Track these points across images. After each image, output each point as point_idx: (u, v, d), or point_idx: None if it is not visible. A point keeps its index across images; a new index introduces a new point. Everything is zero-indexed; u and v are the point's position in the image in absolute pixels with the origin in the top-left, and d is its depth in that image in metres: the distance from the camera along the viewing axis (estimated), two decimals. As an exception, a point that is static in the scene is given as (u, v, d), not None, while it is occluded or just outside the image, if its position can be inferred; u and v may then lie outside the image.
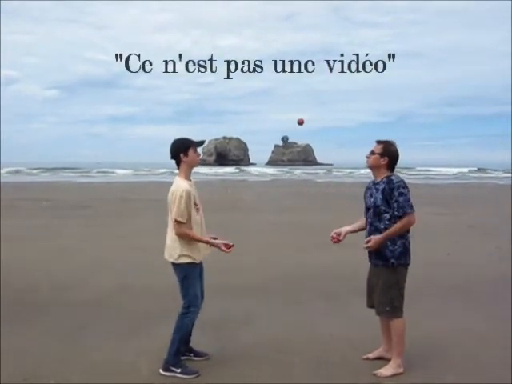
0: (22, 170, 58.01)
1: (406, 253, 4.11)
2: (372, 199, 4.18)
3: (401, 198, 4.01)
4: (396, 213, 4.02)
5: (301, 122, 4.43)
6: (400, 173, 4.30)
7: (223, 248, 4.17)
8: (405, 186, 4.05)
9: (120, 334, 5.01)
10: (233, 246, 4.20)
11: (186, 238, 4.10)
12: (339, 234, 4.37)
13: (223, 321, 5.42)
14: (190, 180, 4.24)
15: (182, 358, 4.25)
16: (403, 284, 4.16)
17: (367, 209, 4.26)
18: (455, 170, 60.25)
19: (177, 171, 4.29)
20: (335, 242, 4.38)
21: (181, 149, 4.17)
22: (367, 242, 4.12)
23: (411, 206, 4.03)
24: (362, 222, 4.38)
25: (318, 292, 6.59)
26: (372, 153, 4.21)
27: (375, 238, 4.08)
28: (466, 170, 62.26)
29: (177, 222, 4.05)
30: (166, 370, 4.12)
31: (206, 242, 4.17)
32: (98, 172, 57.89)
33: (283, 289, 6.76)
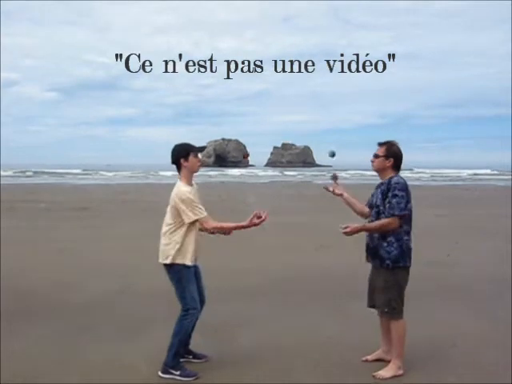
0: (20, 172, 57.87)
1: (404, 255, 4.08)
2: (374, 199, 4.20)
3: (393, 200, 4.00)
4: (386, 213, 4.02)
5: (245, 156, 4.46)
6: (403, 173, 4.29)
7: (255, 221, 4.07)
8: (401, 189, 4.01)
9: (119, 337, 5.00)
10: (264, 219, 4.05)
11: (218, 228, 4.16)
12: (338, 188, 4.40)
13: (222, 323, 5.40)
14: (192, 185, 4.23)
15: (181, 360, 4.24)
16: (403, 286, 4.14)
17: (370, 206, 4.27)
18: (470, 172, 60.38)
19: (176, 173, 4.29)
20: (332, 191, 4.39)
21: (181, 154, 4.17)
22: (345, 227, 4.05)
23: (401, 209, 3.99)
24: (362, 206, 4.38)
25: (318, 294, 6.58)
26: (376, 156, 4.20)
27: (353, 225, 4.03)
28: (482, 171, 62.31)
29: (202, 219, 4.06)
30: (165, 372, 4.11)
31: (237, 227, 4.14)
32: (98, 173, 57.82)
33: (283, 291, 6.74)
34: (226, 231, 4.25)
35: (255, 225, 4.09)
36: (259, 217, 4.06)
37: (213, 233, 4.28)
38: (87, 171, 62.77)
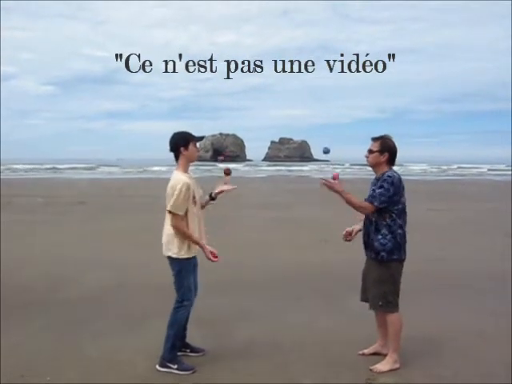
0: (17, 166, 57.63)
1: (398, 248, 4.10)
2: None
3: (378, 190, 4.03)
4: (367, 197, 4.06)
5: (335, 177, 4.41)
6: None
7: (209, 256, 4.16)
8: (390, 183, 4.02)
9: (117, 331, 5.00)
10: (217, 258, 4.20)
11: (181, 232, 4.08)
12: (350, 233, 4.40)
13: (220, 317, 5.42)
14: (188, 173, 4.24)
15: (179, 353, 4.25)
16: (398, 279, 4.16)
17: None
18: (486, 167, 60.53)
19: (173, 167, 4.29)
20: (347, 241, 4.42)
21: (181, 142, 4.17)
22: (325, 180, 4.05)
23: (381, 201, 4.01)
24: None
25: (316, 289, 6.59)
26: (370, 151, 4.20)
27: (333, 182, 4.05)
28: (498, 166, 62.35)
29: (172, 213, 4.05)
30: (162, 366, 4.12)
31: (196, 243, 4.14)
32: (97, 168, 57.72)
33: (281, 285, 6.76)
34: (184, 237, 4.11)
35: (206, 256, 4.16)
36: (213, 254, 4.18)
37: (175, 229, 4.13)
38: (101, 166, 62.51)
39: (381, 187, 4.02)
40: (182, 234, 4.09)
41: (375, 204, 4.02)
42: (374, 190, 4.06)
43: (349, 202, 4.07)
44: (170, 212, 4.06)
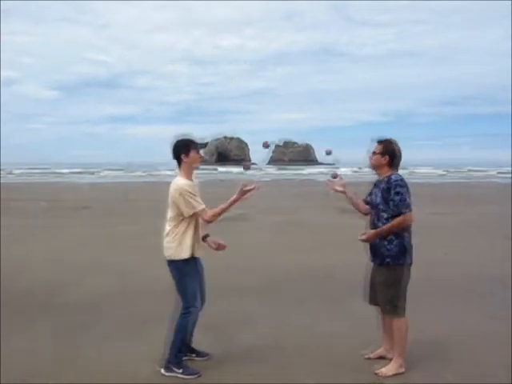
0: (19, 170, 57.70)
1: (405, 252, 4.10)
2: (374, 198, 4.20)
3: (396, 198, 4.01)
4: (391, 212, 4.04)
5: (265, 145, 4.48)
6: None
7: (245, 189, 4.07)
8: (403, 186, 4.04)
9: (121, 335, 5.00)
10: (252, 188, 4.11)
11: (216, 216, 4.08)
12: (341, 185, 4.43)
13: (224, 321, 5.41)
14: (192, 180, 4.23)
15: (184, 358, 4.25)
16: (405, 283, 4.14)
17: (366, 202, 4.31)
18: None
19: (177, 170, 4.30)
20: (332, 189, 4.46)
21: (182, 149, 4.18)
22: (362, 234, 4.15)
23: (407, 206, 4.01)
24: (363, 205, 4.38)
25: (319, 292, 6.58)
26: (373, 153, 4.22)
27: (369, 232, 4.12)
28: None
29: (199, 212, 4.05)
30: (167, 370, 4.12)
31: (232, 203, 4.08)
32: (99, 172, 57.82)
33: (284, 289, 6.75)
34: (222, 213, 4.14)
35: (245, 193, 4.09)
36: (247, 189, 4.09)
37: (211, 221, 4.19)
38: (105, 170, 62.66)
39: (397, 194, 4.02)
40: (217, 215, 4.08)
41: (403, 211, 4.01)
42: (393, 201, 4.02)
43: (388, 232, 4.06)
44: (194, 214, 4.06)
